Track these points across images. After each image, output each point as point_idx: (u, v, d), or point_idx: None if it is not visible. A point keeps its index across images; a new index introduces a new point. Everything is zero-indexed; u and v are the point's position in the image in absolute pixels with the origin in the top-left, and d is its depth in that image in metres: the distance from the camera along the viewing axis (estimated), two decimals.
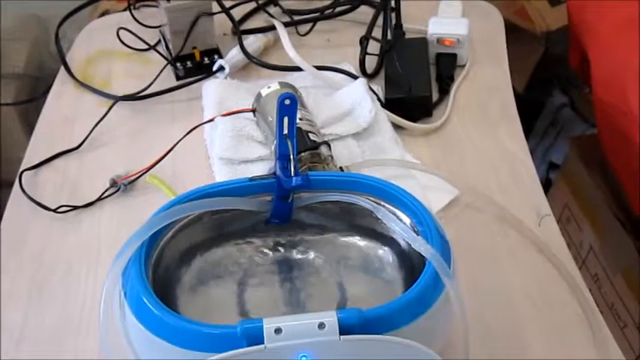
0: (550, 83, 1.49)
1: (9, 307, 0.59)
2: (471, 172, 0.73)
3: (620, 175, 1.00)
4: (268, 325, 0.40)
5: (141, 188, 0.69)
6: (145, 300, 0.42)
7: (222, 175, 0.67)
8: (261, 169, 0.67)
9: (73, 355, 0.56)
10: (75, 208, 0.67)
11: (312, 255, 0.53)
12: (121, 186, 0.68)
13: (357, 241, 0.53)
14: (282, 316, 0.41)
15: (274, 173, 0.50)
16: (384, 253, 0.52)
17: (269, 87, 0.69)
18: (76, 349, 0.56)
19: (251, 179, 0.51)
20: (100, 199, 0.68)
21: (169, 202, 0.49)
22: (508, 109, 0.81)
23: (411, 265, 0.51)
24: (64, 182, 0.70)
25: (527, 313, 0.60)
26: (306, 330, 0.40)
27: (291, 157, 0.48)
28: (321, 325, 0.40)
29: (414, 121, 0.76)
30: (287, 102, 0.49)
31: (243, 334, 0.40)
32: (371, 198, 0.49)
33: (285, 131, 0.49)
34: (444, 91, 0.80)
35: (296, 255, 0.53)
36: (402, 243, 0.51)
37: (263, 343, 0.40)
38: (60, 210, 0.66)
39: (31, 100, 0.89)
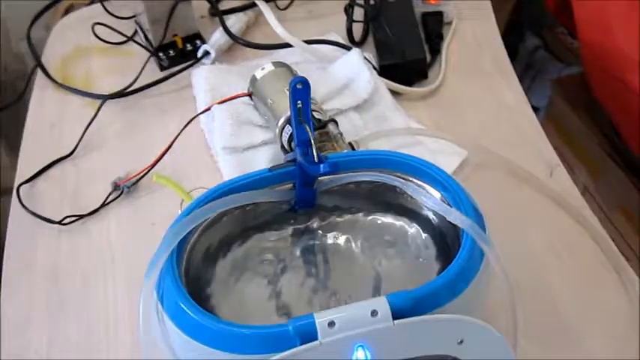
0: (522, 27, 1.48)
1: (31, 328, 0.57)
2: (474, 130, 0.72)
3: (612, 112, 1.01)
4: (321, 320, 0.39)
5: (145, 188, 0.67)
6: (191, 313, 0.41)
7: (227, 164, 0.65)
8: (267, 154, 0.66)
9: None
10: (80, 217, 0.64)
11: (340, 238, 0.52)
12: (124, 188, 0.66)
13: (385, 219, 0.52)
14: (333, 309, 0.40)
15: (294, 160, 0.49)
16: (413, 229, 0.51)
17: (263, 68, 0.67)
18: None
19: (270, 169, 0.49)
20: (104, 204, 0.65)
21: (191, 205, 0.47)
22: (501, 61, 0.80)
23: (440, 239, 0.50)
24: (63, 191, 0.68)
25: (552, 265, 0.60)
26: (359, 319, 0.39)
27: (312, 142, 0.47)
28: (374, 313, 0.39)
29: (409, 85, 0.75)
30: (299, 86, 0.47)
31: (296, 332, 0.39)
32: (398, 174, 0.48)
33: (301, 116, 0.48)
34: (435, 51, 0.79)
35: (324, 240, 0.52)
36: (431, 217, 0.50)
37: (317, 338, 0.39)
38: (65, 221, 0.64)
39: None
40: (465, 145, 0.68)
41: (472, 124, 0.72)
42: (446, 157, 0.66)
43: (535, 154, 0.70)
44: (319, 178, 0.48)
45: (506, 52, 0.80)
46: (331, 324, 0.39)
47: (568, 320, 0.56)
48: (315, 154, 0.46)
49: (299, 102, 0.47)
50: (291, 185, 0.50)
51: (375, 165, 0.49)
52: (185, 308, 0.41)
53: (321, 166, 0.44)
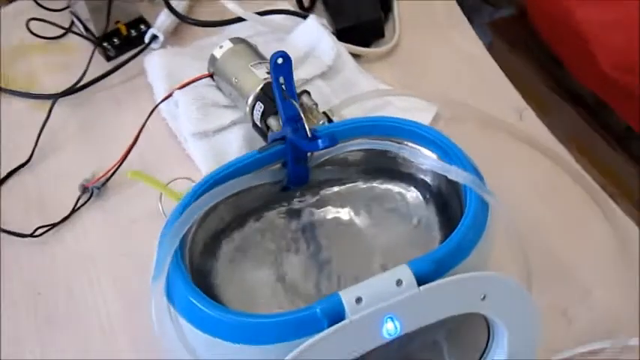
0: None
1: (22, 351, 0.54)
2: (438, 83, 0.72)
3: (558, 48, 1.02)
4: (347, 297, 0.38)
5: (115, 187, 0.64)
6: (210, 311, 0.39)
7: (199, 150, 0.63)
8: (238, 134, 0.64)
9: None
10: (52, 226, 0.61)
11: (337, 210, 0.51)
12: (93, 190, 0.63)
13: (380, 185, 0.51)
14: (358, 284, 0.39)
15: (283, 138, 0.47)
16: (410, 193, 0.51)
17: (221, 47, 0.64)
18: None
19: (259, 151, 0.47)
20: (75, 209, 0.62)
21: (184, 199, 0.45)
22: (453, 12, 0.80)
23: (438, 200, 0.50)
24: (28, 202, 0.64)
25: (537, 208, 0.61)
26: (386, 291, 0.39)
27: (302, 117, 0.45)
28: (399, 282, 0.39)
29: (366, 45, 0.74)
30: (280, 61, 0.45)
31: (323, 313, 0.38)
32: (391, 139, 0.47)
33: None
34: (387, 8, 0.78)
35: (322, 214, 0.51)
36: (428, 180, 0.50)
37: (344, 317, 0.38)
38: (37, 233, 0.60)
39: None
40: (434, 99, 0.68)
41: (435, 78, 0.72)
42: (418, 114, 0.66)
43: (502, 100, 0.70)
44: (315, 153, 0.47)
45: (456, 1, 0.80)
46: (358, 300, 0.38)
47: (562, 258, 0.58)
48: (307, 129, 0.45)
49: (281, 78, 0.46)
50: (279, 165, 0.49)
51: (368, 132, 0.48)
52: (204, 308, 0.39)
53: (319, 141, 0.42)
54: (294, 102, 0.45)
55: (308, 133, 0.45)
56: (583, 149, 1.08)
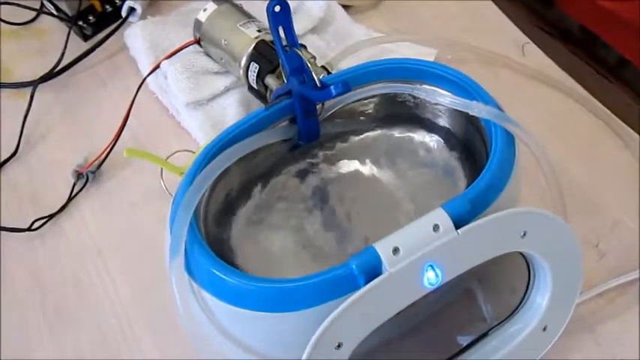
0: None
1: (34, 347, 0.51)
2: (434, 26, 0.69)
3: None
4: (383, 248, 0.36)
5: (111, 169, 0.61)
6: (239, 282, 0.36)
7: (194, 120, 0.60)
8: (233, 99, 0.60)
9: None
10: (50, 217, 0.57)
11: (354, 163, 0.48)
12: (88, 175, 0.59)
13: (395, 133, 0.49)
14: (392, 234, 0.36)
15: (289, 92, 0.44)
16: (427, 137, 0.48)
17: (205, 10, 0.61)
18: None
19: (267, 108, 0.44)
20: (71, 197, 0.59)
21: (191, 170, 0.42)
22: None
23: (457, 141, 0.47)
24: (21, 195, 0.60)
25: (554, 143, 0.59)
26: (423, 237, 0.36)
27: (309, 66, 0.42)
28: (436, 227, 0.36)
29: None
30: (277, 9, 0.42)
31: (360, 269, 0.36)
32: (406, 82, 0.44)
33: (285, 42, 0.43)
34: None
35: (337, 170, 0.48)
36: (444, 122, 0.47)
37: (381, 271, 0.36)
38: (34, 226, 0.57)
39: None
40: (433, 43, 0.65)
41: (430, 21, 0.69)
42: None
43: (501, 36, 0.68)
44: (325, 105, 0.44)
45: None
46: (395, 250, 0.36)
47: (586, 191, 0.55)
48: (316, 78, 0.41)
49: (281, 27, 0.42)
50: (286, 122, 0.45)
51: (379, 76, 0.44)
52: (232, 279, 0.36)
53: (332, 88, 0.39)
54: (298, 51, 0.42)
55: (317, 82, 0.41)
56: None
